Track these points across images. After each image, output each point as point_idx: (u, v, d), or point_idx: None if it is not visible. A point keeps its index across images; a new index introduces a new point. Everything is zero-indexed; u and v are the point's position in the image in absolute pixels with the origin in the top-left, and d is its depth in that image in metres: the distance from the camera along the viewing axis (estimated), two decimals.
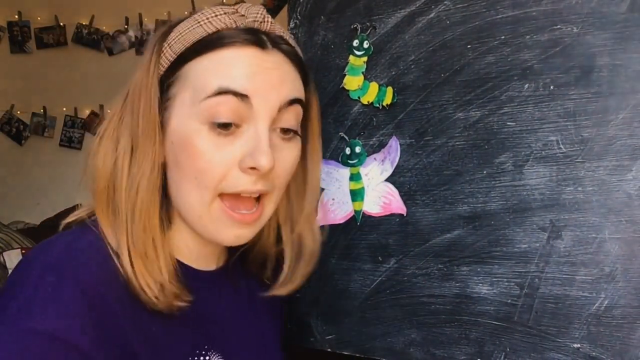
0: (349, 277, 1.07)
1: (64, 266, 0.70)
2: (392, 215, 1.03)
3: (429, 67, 1.00)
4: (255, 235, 0.84)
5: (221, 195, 0.77)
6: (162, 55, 0.79)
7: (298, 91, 0.82)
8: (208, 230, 0.79)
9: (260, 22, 0.79)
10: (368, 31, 1.06)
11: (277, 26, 0.82)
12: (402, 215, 1.02)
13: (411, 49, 1.02)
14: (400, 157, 1.02)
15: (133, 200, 0.75)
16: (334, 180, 1.09)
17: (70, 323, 0.66)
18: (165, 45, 0.79)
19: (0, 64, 3.90)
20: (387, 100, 1.04)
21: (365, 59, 1.06)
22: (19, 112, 3.89)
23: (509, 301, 0.93)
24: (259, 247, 0.98)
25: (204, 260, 0.89)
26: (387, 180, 1.04)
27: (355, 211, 1.07)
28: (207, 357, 0.82)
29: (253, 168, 0.74)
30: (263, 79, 0.75)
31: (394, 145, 1.03)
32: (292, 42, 0.84)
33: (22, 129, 3.87)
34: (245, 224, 0.79)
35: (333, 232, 1.09)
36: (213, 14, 0.78)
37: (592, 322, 0.87)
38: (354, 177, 1.07)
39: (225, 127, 0.74)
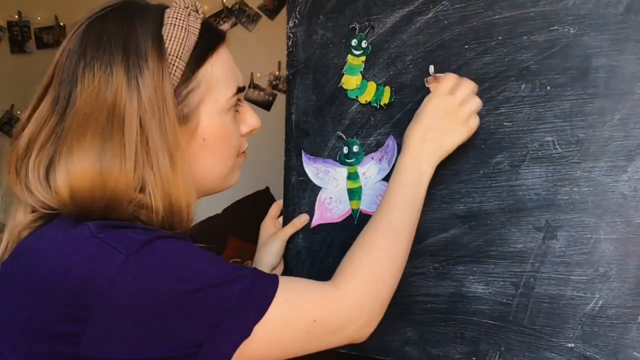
0: None
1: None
2: None
3: (427, 67, 1.00)
4: None
5: (235, 157, 0.91)
6: (171, 67, 0.79)
7: None
8: (225, 180, 0.91)
9: (203, 16, 0.87)
10: (366, 31, 1.06)
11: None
12: None
13: (409, 49, 1.02)
14: (397, 156, 1.02)
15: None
16: (332, 179, 1.10)
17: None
18: (172, 57, 0.80)
19: (0, 64, 3.89)
20: (385, 99, 1.04)
21: (363, 58, 1.07)
22: (19, 112, 3.88)
23: (504, 300, 0.93)
24: None
25: None
26: (385, 179, 1.04)
27: (353, 210, 1.07)
28: None
29: (253, 130, 0.93)
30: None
31: (392, 145, 1.03)
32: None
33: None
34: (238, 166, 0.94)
35: (330, 231, 1.09)
36: (186, 14, 0.82)
37: (587, 322, 0.87)
38: (352, 176, 1.08)
39: (235, 111, 0.89)
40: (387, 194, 0.92)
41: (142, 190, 0.77)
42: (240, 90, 0.88)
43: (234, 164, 0.91)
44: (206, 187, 0.89)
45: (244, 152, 0.94)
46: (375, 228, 0.89)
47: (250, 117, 0.92)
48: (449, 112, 0.91)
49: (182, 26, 0.81)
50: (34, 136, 0.78)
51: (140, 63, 0.77)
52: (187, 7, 0.83)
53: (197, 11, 0.84)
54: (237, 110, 0.89)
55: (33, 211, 0.79)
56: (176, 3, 0.83)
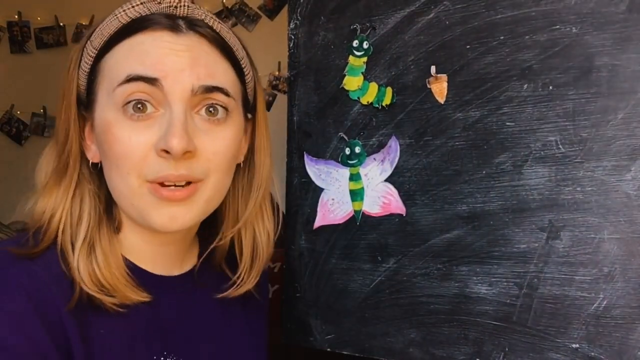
0: (349, 277, 1.07)
1: (4, 273, 0.70)
2: (391, 215, 1.03)
3: (429, 68, 1.00)
4: (197, 224, 0.84)
5: (146, 182, 0.75)
6: (84, 53, 0.78)
7: (219, 78, 0.78)
8: (142, 215, 0.76)
9: (175, 7, 0.77)
10: (368, 32, 1.06)
11: (200, 11, 0.80)
12: (402, 215, 1.02)
13: (410, 50, 1.02)
14: (399, 157, 1.02)
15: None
16: (334, 180, 1.09)
17: (24, 335, 0.66)
18: (88, 43, 0.78)
19: (0, 64, 3.89)
20: (387, 100, 1.04)
21: (365, 59, 1.06)
22: (19, 112, 3.89)
23: (508, 301, 0.93)
24: (223, 247, 0.93)
25: (163, 265, 0.85)
26: (387, 180, 1.04)
27: (355, 211, 1.07)
28: None
29: (166, 151, 0.72)
30: (173, 61, 0.74)
31: (394, 146, 1.03)
32: (218, 27, 0.80)
33: (22, 129, 3.86)
34: (176, 202, 0.75)
35: (333, 232, 1.09)
36: (130, 5, 0.77)
37: (591, 322, 0.87)
38: (354, 177, 1.07)
39: (139, 110, 0.73)
40: None
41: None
42: (133, 79, 0.72)
43: (142, 190, 0.74)
44: (122, 208, 0.79)
45: (166, 181, 0.74)
46: None
47: (167, 133, 0.72)
48: None
49: (115, 14, 0.76)
50: None
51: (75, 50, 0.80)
52: (153, 0, 0.77)
53: (159, 3, 0.77)
54: (140, 113, 0.73)
55: None
56: None
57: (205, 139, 0.76)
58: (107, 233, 0.78)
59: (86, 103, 0.79)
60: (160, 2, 0.77)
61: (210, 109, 0.77)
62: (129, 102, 0.73)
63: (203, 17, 0.79)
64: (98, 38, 0.77)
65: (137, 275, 0.80)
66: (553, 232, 0.91)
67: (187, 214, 0.76)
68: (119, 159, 0.73)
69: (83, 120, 0.81)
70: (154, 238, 0.83)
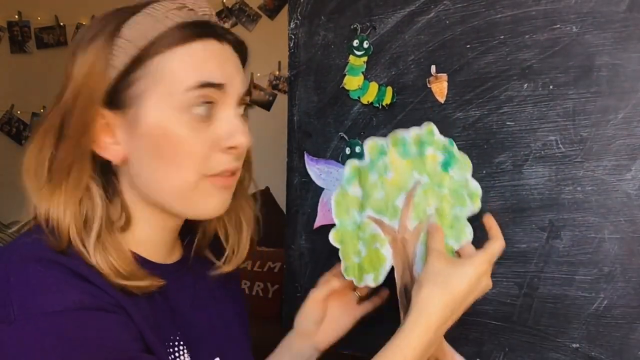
0: None
1: (40, 255, 0.71)
2: None
3: (429, 67, 1.00)
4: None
5: (204, 176, 0.79)
6: (117, 50, 0.77)
7: (247, 81, 0.87)
8: (194, 207, 0.81)
9: (210, 16, 0.82)
10: (368, 31, 1.06)
11: (220, 22, 0.86)
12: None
13: (411, 49, 1.02)
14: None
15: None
16: (334, 180, 1.09)
17: (84, 291, 0.70)
18: (123, 41, 0.77)
19: (0, 64, 3.89)
20: (387, 100, 1.04)
21: (365, 59, 1.06)
22: (19, 112, 3.89)
23: (508, 301, 0.93)
24: (210, 230, 0.96)
25: (166, 253, 0.89)
26: None
27: None
28: (178, 347, 0.83)
29: (233, 147, 0.79)
30: (229, 67, 0.80)
31: None
32: (236, 35, 0.86)
33: (22, 129, 3.87)
34: (227, 188, 0.82)
35: None
36: (166, 9, 0.79)
37: (591, 322, 0.87)
38: None
39: (206, 111, 0.78)
40: (383, 355, 0.82)
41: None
42: (205, 85, 0.77)
43: (199, 184, 0.79)
44: (163, 201, 0.81)
45: (223, 175, 0.80)
46: None
47: (235, 132, 0.79)
48: (480, 290, 0.84)
49: (154, 15, 0.78)
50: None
51: (90, 43, 0.78)
52: (184, 6, 0.80)
53: (194, 10, 0.80)
54: (207, 116, 0.78)
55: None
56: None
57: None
58: (114, 230, 0.80)
59: (113, 100, 0.79)
60: (194, 10, 0.80)
61: (242, 107, 0.84)
62: (197, 105, 0.77)
63: (226, 27, 0.85)
64: (140, 39, 0.77)
65: (144, 265, 0.82)
66: (553, 231, 0.91)
67: (230, 198, 0.84)
68: (181, 158, 0.77)
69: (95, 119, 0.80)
70: (167, 226, 0.86)
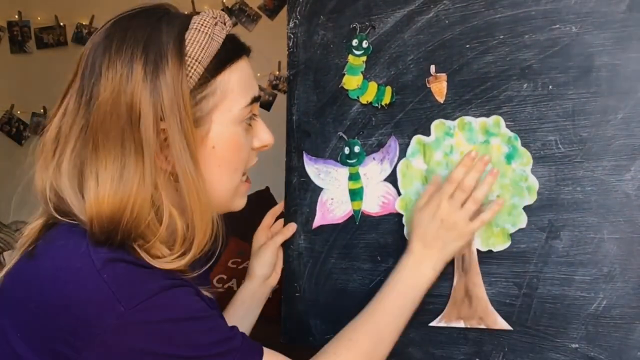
0: (348, 276, 1.07)
1: (113, 255, 0.74)
2: (390, 214, 1.03)
3: (428, 67, 0.99)
4: None
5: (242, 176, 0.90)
6: (192, 70, 0.79)
7: None
8: (231, 201, 0.89)
9: (230, 28, 0.86)
10: (367, 31, 1.06)
11: None
12: (401, 214, 1.02)
13: (410, 49, 1.02)
14: (398, 157, 1.02)
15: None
16: (333, 179, 1.09)
17: (162, 276, 0.75)
18: (191, 60, 0.79)
19: (0, 64, 3.88)
20: (386, 99, 1.04)
21: (364, 58, 1.06)
22: (19, 112, 3.88)
23: (508, 301, 0.93)
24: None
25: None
26: (386, 179, 1.04)
27: (354, 211, 1.07)
28: None
29: (265, 146, 0.90)
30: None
31: (393, 145, 1.03)
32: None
33: (22, 129, 3.86)
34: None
35: (332, 232, 1.09)
36: (210, 24, 0.82)
37: (591, 322, 0.87)
38: (353, 177, 1.07)
39: (251, 120, 0.88)
40: (382, 292, 0.93)
41: (158, 207, 0.77)
42: (255, 100, 0.86)
43: (239, 184, 0.88)
44: (214, 203, 0.85)
45: (248, 179, 0.92)
46: (362, 325, 0.92)
47: (264, 133, 0.90)
48: (449, 220, 0.92)
49: (207, 32, 0.81)
50: (61, 130, 0.79)
51: (159, 62, 0.77)
52: (215, 18, 0.83)
53: (224, 23, 0.84)
54: (249, 124, 0.87)
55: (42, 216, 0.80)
56: (205, 12, 0.83)
57: None
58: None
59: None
60: (225, 25, 0.85)
61: None
62: (250, 117, 0.86)
63: None
64: (205, 57, 0.80)
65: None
66: (553, 232, 0.90)
67: None
68: (239, 163, 0.87)
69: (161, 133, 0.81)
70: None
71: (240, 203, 0.92)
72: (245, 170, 0.90)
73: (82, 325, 0.69)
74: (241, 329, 0.84)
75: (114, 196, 0.74)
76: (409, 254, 0.94)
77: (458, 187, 0.93)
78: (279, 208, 1.18)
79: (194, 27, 0.80)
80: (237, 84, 0.84)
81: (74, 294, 0.71)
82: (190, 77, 0.79)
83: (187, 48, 0.79)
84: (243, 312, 1.12)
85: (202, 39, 0.80)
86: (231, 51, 0.84)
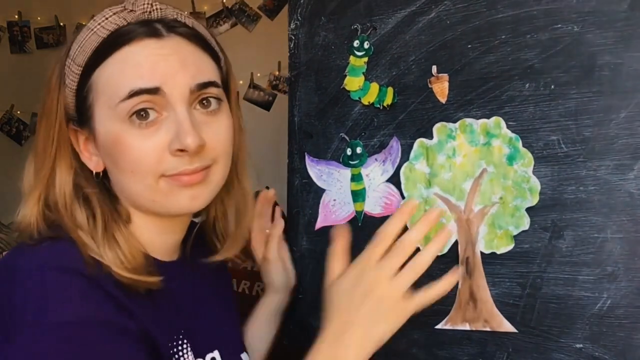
0: None
1: (57, 262, 0.73)
2: None
3: (430, 67, 0.99)
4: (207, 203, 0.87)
5: (162, 176, 0.80)
6: (67, 70, 0.81)
7: (207, 73, 0.83)
8: (165, 206, 0.82)
9: (150, 12, 0.80)
10: (368, 31, 1.06)
11: (170, 10, 0.83)
12: None
13: (412, 49, 1.02)
14: (401, 158, 1.02)
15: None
16: (335, 181, 1.09)
17: (98, 305, 0.71)
18: (69, 61, 0.81)
19: (0, 64, 3.89)
20: (388, 100, 1.04)
21: (365, 59, 1.06)
22: (19, 112, 3.88)
23: (511, 301, 0.93)
24: (209, 222, 1.00)
25: (167, 252, 0.91)
26: (388, 180, 1.04)
27: (357, 212, 1.07)
28: (183, 343, 0.84)
29: (182, 150, 0.77)
30: (166, 67, 0.78)
31: (395, 146, 1.03)
32: (190, 22, 0.84)
33: (22, 129, 3.86)
34: (195, 184, 0.81)
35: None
36: (104, 18, 0.79)
37: (595, 322, 0.87)
38: (355, 178, 1.07)
39: (144, 118, 0.77)
40: None
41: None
42: (136, 93, 0.76)
43: (159, 184, 0.79)
44: (138, 204, 0.83)
45: (182, 174, 0.79)
46: None
47: (180, 134, 0.76)
48: (375, 293, 0.79)
49: (91, 28, 0.79)
50: None
51: (53, 66, 0.83)
52: (124, 9, 0.80)
53: (133, 11, 0.79)
54: (148, 121, 0.77)
55: None
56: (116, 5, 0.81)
57: (207, 130, 0.81)
58: (122, 224, 0.83)
59: (78, 118, 0.83)
60: (133, 10, 0.80)
61: (204, 102, 0.82)
62: (133, 113, 0.77)
63: (176, 16, 0.83)
64: (80, 55, 0.79)
65: (150, 262, 0.84)
66: (556, 231, 0.90)
67: (205, 193, 0.83)
68: (135, 166, 0.78)
69: (75, 134, 0.84)
70: (165, 227, 0.88)
71: (177, 204, 0.81)
72: (165, 173, 0.79)
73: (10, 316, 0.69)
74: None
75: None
76: (325, 336, 0.80)
77: (394, 247, 0.82)
78: (269, 194, 1.16)
79: (88, 24, 0.80)
80: (113, 77, 0.77)
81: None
82: (68, 76, 0.80)
83: (71, 48, 0.80)
84: (275, 324, 1.12)
85: (84, 35, 0.79)
86: (112, 41, 0.78)
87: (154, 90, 0.77)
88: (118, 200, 0.86)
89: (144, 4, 0.80)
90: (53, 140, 0.82)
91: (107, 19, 0.79)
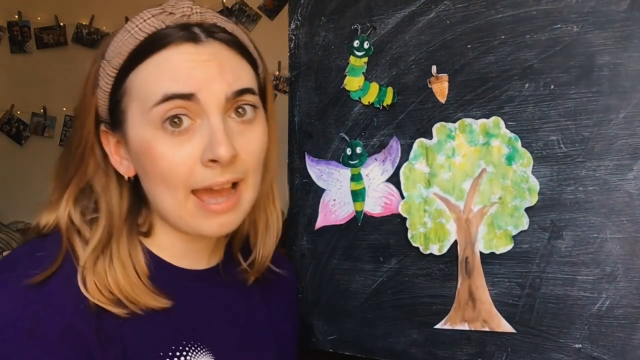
0: (351, 277, 1.07)
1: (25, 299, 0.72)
2: (393, 215, 1.03)
3: (429, 67, 0.99)
4: (240, 222, 0.85)
5: (193, 191, 0.78)
6: (101, 72, 0.80)
7: (245, 79, 0.81)
8: (191, 226, 0.80)
9: (189, 16, 0.78)
10: (368, 32, 1.06)
11: (210, 15, 0.81)
12: (403, 215, 1.02)
13: (411, 49, 1.02)
14: (400, 158, 1.02)
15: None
16: (335, 180, 1.09)
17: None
18: (105, 62, 0.79)
19: (0, 64, 3.89)
20: (388, 100, 1.04)
21: (365, 59, 1.06)
22: (19, 112, 3.89)
23: (510, 301, 0.93)
24: (241, 234, 0.97)
25: (191, 259, 0.89)
26: (388, 180, 1.04)
27: (357, 212, 1.07)
28: (188, 355, 0.82)
29: (214, 160, 0.75)
30: (202, 72, 0.76)
31: (395, 146, 1.03)
32: (230, 28, 0.82)
33: (22, 129, 3.86)
34: (224, 212, 0.80)
35: (334, 233, 1.09)
36: (141, 20, 0.77)
37: (594, 323, 0.87)
38: (355, 178, 1.07)
39: (177, 125, 0.75)
40: None
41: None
42: (169, 98, 0.74)
43: (185, 198, 0.77)
44: (168, 220, 0.82)
45: (214, 189, 0.78)
46: None
47: (213, 143, 0.74)
48: None
49: (129, 30, 0.77)
50: None
51: (88, 67, 0.81)
52: (163, 11, 0.78)
53: (172, 13, 0.77)
54: (181, 129, 0.75)
55: None
56: (155, 6, 0.79)
57: (240, 140, 0.79)
58: (127, 242, 0.81)
59: (111, 122, 0.81)
60: (173, 13, 0.77)
61: (239, 110, 0.80)
62: (167, 118, 0.75)
63: (215, 21, 0.81)
64: (116, 57, 0.77)
65: (162, 269, 0.84)
66: (555, 231, 0.90)
67: (234, 220, 0.82)
68: (165, 175, 0.76)
69: (107, 138, 0.83)
70: (189, 238, 0.86)
71: (207, 228, 0.80)
72: (195, 186, 0.77)
73: None
74: None
75: None
76: None
77: None
78: None
79: (126, 25, 0.78)
80: (148, 80, 0.76)
81: None
82: (103, 79, 0.79)
83: (108, 50, 0.79)
84: None
85: (120, 37, 0.78)
86: (149, 45, 0.76)
87: (188, 96, 0.75)
88: (142, 209, 0.85)
89: (183, 7, 0.78)
90: (84, 141, 0.81)
91: (145, 21, 0.77)
